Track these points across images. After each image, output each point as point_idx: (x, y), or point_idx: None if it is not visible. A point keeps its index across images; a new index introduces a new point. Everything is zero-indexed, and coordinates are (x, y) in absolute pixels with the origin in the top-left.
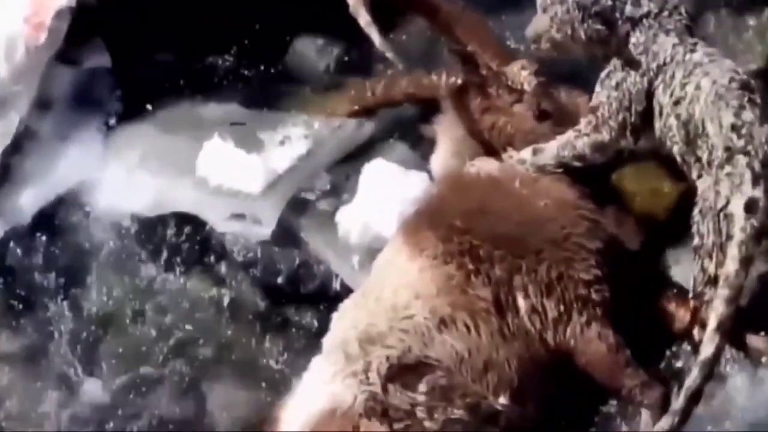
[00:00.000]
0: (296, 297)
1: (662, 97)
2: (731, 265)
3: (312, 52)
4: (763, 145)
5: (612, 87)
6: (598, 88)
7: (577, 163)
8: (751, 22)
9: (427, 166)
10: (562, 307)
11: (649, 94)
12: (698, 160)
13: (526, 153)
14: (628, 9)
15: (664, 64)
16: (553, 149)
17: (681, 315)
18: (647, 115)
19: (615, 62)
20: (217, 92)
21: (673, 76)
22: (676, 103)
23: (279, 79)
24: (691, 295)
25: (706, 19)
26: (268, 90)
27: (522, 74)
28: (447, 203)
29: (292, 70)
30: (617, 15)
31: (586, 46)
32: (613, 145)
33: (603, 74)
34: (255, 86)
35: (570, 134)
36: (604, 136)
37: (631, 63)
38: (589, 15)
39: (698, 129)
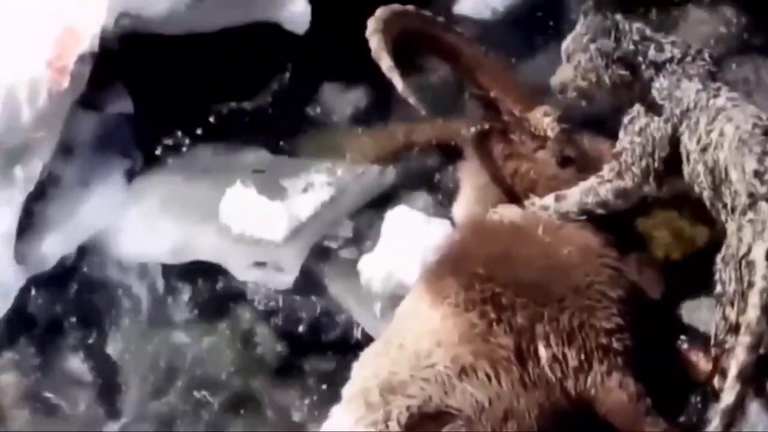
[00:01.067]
0: (317, 345)
1: (689, 144)
2: (752, 313)
3: (335, 97)
4: None
5: (635, 132)
6: (621, 134)
7: (600, 210)
8: None
9: (449, 213)
10: (583, 356)
11: (674, 140)
12: (725, 206)
13: (549, 200)
14: (651, 54)
15: (688, 109)
16: (576, 196)
17: (702, 363)
18: (671, 161)
19: (638, 108)
20: (240, 139)
21: (697, 122)
22: (703, 150)
23: (302, 125)
24: (712, 343)
25: (727, 64)
26: (291, 136)
27: (545, 120)
28: (469, 250)
29: (315, 116)
30: (640, 59)
31: (612, 93)
32: (636, 192)
33: (626, 120)
34: (278, 132)
35: (593, 180)
36: (627, 182)
37: (654, 108)
38: (612, 60)
39: (722, 175)
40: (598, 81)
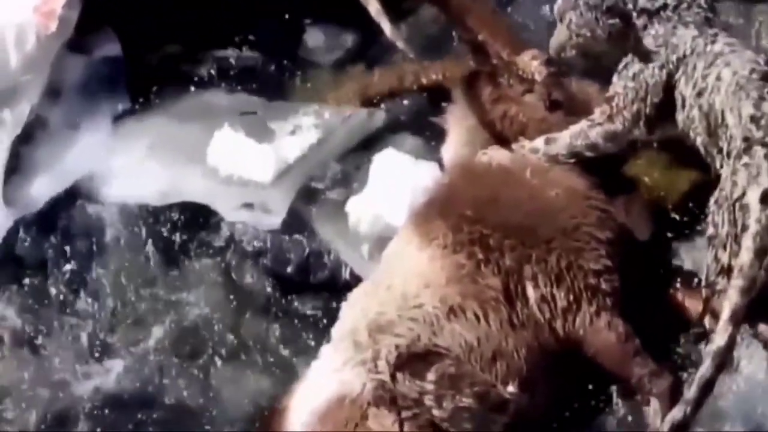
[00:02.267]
0: (306, 286)
1: (685, 89)
2: (746, 256)
3: (322, 41)
4: None
5: (629, 78)
6: (615, 78)
7: (589, 153)
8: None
9: (437, 155)
10: (571, 297)
11: (669, 87)
12: (720, 151)
13: (539, 142)
14: (642, 2)
15: (684, 56)
16: (565, 138)
17: (692, 304)
18: (665, 107)
19: (631, 53)
20: (228, 82)
21: (695, 68)
22: (699, 94)
23: (289, 68)
24: (703, 284)
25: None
26: (279, 80)
27: (533, 64)
28: (458, 193)
29: (303, 60)
30: (630, 7)
31: (609, 45)
32: (625, 136)
33: (620, 66)
34: (265, 76)
35: (583, 124)
36: (617, 126)
37: (647, 56)
38: (602, 12)
39: (718, 119)
40: (593, 35)
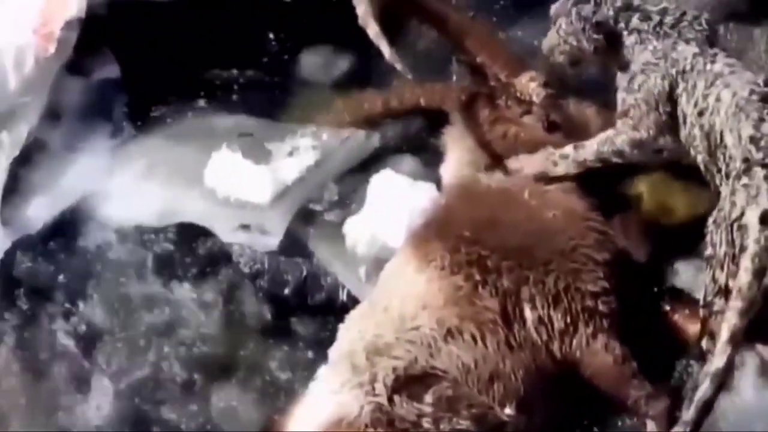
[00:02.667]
0: (303, 308)
1: (686, 106)
2: (744, 277)
3: (321, 62)
4: None
5: (635, 90)
6: (623, 94)
7: (617, 159)
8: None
9: (435, 177)
10: (568, 319)
11: (672, 99)
12: (719, 170)
13: (569, 148)
14: (635, 22)
15: (684, 71)
16: (593, 146)
17: (690, 325)
18: (674, 118)
19: (632, 67)
20: (226, 103)
21: (695, 87)
22: (700, 114)
23: (288, 89)
24: (701, 304)
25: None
26: (277, 101)
27: (531, 86)
28: (455, 214)
29: (301, 81)
30: (622, 26)
31: (594, 57)
32: (651, 144)
33: (624, 82)
34: (264, 97)
35: (610, 132)
36: (642, 134)
37: (633, 73)
38: (591, 25)
39: (718, 140)
40: (579, 45)
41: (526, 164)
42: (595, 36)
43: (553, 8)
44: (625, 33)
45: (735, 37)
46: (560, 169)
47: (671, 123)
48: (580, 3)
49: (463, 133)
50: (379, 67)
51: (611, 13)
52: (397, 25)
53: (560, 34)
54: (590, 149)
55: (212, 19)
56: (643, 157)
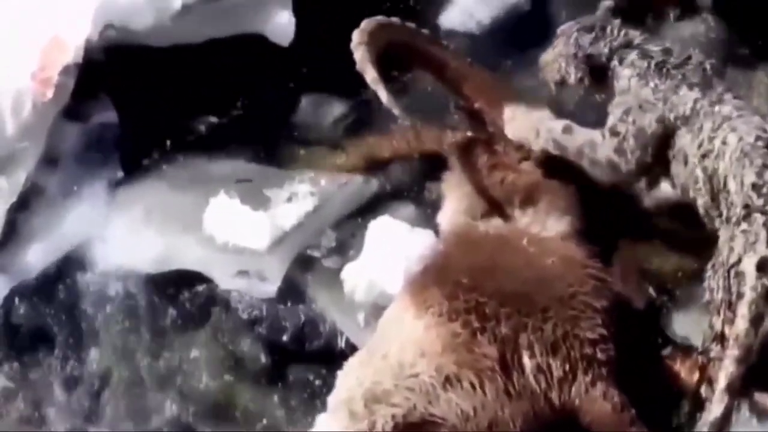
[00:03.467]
0: (301, 354)
1: (689, 147)
2: (741, 325)
3: (319, 108)
4: None
5: (630, 122)
6: (614, 120)
7: (590, 169)
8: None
9: (433, 223)
10: (567, 366)
11: (665, 140)
12: (719, 215)
13: (558, 126)
14: (633, 58)
15: (685, 116)
16: (578, 140)
17: (688, 373)
18: (664, 162)
19: (629, 99)
20: (224, 149)
21: (701, 128)
22: (704, 156)
23: (286, 135)
24: (698, 351)
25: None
26: (275, 147)
27: None
28: (453, 260)
29: (299, 127)
30: (614, 64)
31: (579, 85)
32: (626, 177)
33: (618, 110)
34: (262, 143)
35: (598, 138)
36: (622, 165)
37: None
38: (583, 54)
39: (721, 184)
40: (567, 69)
41: (518, 120)
42: (582, 66)
43: (561, 27)
44: (618, 68)
45: (734, 81)
46: (540, 142)
47: (657, 167)
48: (583, 30)
49: (460, 179)
50: (377, 112)
51: (606, 49)
52: (395, 71)
53: (555, 53)
54: (574, 141)
55: (210, 64)
56: (613, 178)
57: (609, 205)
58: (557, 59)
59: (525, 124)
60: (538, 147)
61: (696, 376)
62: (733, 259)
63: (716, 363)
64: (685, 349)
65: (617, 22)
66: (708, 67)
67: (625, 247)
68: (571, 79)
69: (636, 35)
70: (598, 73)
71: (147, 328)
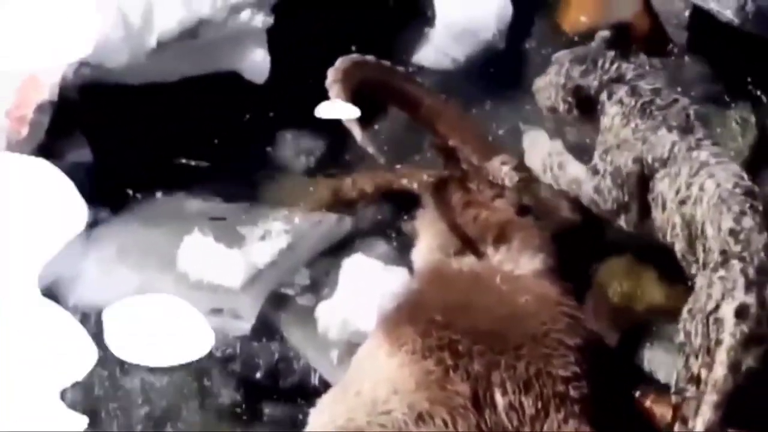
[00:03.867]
0: (275, 391)
1: (667, 192)
2: (720, 371)
3: (292, 146)
4: (759, 252)
5: (608, 162)
6: (596, 159)
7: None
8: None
9: (407, 261)
10: (539, 404)
11: (643, 183)
12: (697, 260)
13: (556, 160)
14: (622, 94)
15: (663, 159)
16: (568, 176)
17: (661, 411)
18: (640, 201)
19: (609, 138)
20: (198, 187)
21: (678, 173)
22: (682, 202)
23: (260, 173)
24: (672, 390)
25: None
26: (249, 185)
27: (503, 169)
28: (427, 298)
29: (274, 164)
30: (603, 98)
31: (567, 115)
32: (606, 216)
33: (601, 149)
34: (235, 181)
35: (582, 174)
36: (601, 203)
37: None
38: (573, 85)
39: (699, 230)
40: (555, 98)
41: (533, 155)
42: (569, 98)
43: (556, 55)
44: (607, 104)
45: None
46: (547, 178)
47: (635, 207)
48: (575, 61)
49: (434, 217)
50: (351, 150)
51: (596, 83)
52: (368, 109)
53: (546, 81)
54: (567, 177)
55: (184, 102)
56: (597, 211)
57: (582, 242)
58: (548, 87)
59: (538, 156)
60: (547, 182)
61: (669, 415)
62: (710, 306)
63: (690, 403)
64: (659, 388)
65: (611, 54)
66: (691, 112)
67: (598, 283)
68: (560, 108)
69: (629, 69)
70: (586, 106)
71: (120, 366)
